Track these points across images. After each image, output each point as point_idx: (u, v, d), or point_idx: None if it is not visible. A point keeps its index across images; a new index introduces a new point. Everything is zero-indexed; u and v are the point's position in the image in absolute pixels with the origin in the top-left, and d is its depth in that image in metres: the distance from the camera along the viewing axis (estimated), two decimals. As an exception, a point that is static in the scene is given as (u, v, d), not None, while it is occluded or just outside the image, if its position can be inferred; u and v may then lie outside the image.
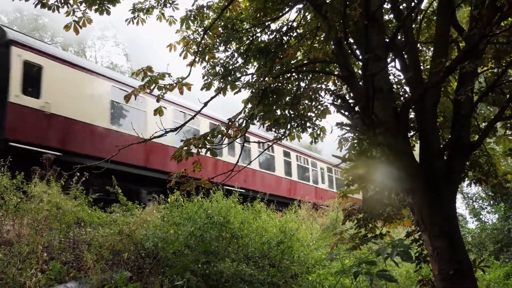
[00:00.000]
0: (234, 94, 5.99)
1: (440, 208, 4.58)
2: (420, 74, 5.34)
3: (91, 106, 11.45)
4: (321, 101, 7.13)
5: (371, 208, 6.58)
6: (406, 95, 6.30)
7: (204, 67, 6.87)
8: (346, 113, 5.25)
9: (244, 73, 6.66)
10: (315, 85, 7.07)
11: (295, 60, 6.74)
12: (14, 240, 6.97)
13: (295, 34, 7.06)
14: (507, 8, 4.44)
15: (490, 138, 6.50)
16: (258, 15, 6.73)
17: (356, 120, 5.01)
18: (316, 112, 7.23)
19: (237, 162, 6.15)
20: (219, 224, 9.11)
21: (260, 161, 19.00)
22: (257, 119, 6.55)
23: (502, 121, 5.88)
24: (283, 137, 7.27)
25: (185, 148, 5.11)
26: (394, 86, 6.20)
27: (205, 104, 5.74)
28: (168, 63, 5.63)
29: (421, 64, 6.34)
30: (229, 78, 6.40)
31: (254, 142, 7.65)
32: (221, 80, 6.51)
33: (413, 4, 5.43)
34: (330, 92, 6.95)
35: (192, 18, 6.84)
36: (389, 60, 5.33)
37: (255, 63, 6.93)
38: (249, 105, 5.78)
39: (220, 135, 5.26)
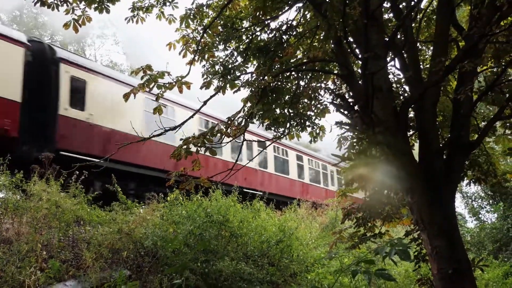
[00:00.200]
0: (234, 93, 5.99)
1: (439, 207, 4.59)
2: (419, 73, 5.34)
3: (127, 117, 11.65)
4: (321, 100, 7.13)
5: (370, 207, 6.59)
6: (406, 94, 6.30)
7: (204, 65, 6.86)
8: (346, 112, 5.25)
9: (244, 72, 6.66)
10: (314, 84, 7.07)
11: (295, 59, 6.73)
12: (13, 239, 6.97)
13: (294, 33, 7.05)
14: (506, 8, 4.43)
15: (490, 137, 6.50)
16: (258, 13, 6.73)
17: (355, 119, 5.01)
18: (315, 111, 7.23)
19: (236, 161, 6.15)
20: (218, 222, 9.11)
21: (275, 165, 19.96)
22: (257, 118, 6.54)
23: (501, 120, 5.88)
24: (282, 136, 7.26)
25: (185, 147, 5.12)
26: (394, 85, 6.20)
27: (205, 102, 5.74)
28: (168, 62, 5.63)
29: (421, 63, 6.33)
30: (229, 77, 6.39)
31: (253, 141, 7.64)
32: (221, 79, 6.50)
33: (412, 3, 5.44)
34: (330, 91, 6.94)
35: (191, 17, 6.83)
36: (388, 59, 5.34)
37: (254, 62, 6.92)
38: (249, 104, 5.78)
39: (219, 134, 5.26)
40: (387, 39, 5.07)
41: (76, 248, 7.63)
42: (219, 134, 5.27)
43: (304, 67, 6.32)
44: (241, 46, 6.96)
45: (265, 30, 7.02)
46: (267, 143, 9.31)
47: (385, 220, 6.77)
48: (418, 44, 6.34)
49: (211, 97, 5.86)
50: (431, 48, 6.52)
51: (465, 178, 6.78)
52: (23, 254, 6.60)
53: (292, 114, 6.93)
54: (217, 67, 6.83)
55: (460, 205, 23.25)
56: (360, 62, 5.53)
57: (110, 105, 12.21)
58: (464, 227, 19.62)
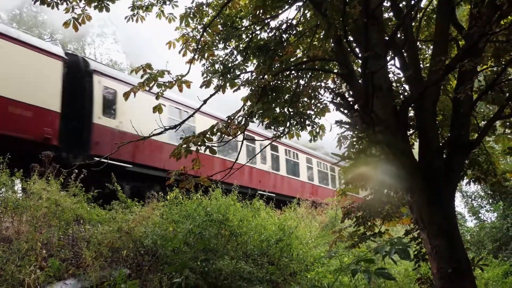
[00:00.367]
0: (234, 91, 5.98)
1: (439, 207, 4.59)
2: (419, 72, 5.33)
3: (153, 123, 12.02)
4: (321, 99, 7.11)
5: (370, 206, 6.59)
6: (406, 93, 6.29)
7: (203, 64, 6.86)
8: (346, 111, 5.25)
9: (244, 71, 6.65)
10: (314, 83, 7.06)
11: (295, 58, 6.73)
12: (13, 237, 6.97)
13: (294, 31, 7.04)
14: (506, 7, 4.43)
15: (489, 136, 6.50)
16: (258, 12, 6.72)
17: (355, 118, 5.01)
18: (315, 110, 7.22)
19: (236, 160, 6.15)
20: (218, 221, 9.11)
21: (287, 168, 20.81)
22: (256, 117, 6.54)
23: (501, 119, 5.88)
24: (282, 135, 7.26)
25: (184, 145, 5.12)
26: (394, 84, 6.19)
27: (205, 101, 5.74)
28: (167, 60, 5.63)
29: (421, 62, 6.33)
30: (229, 76, 6.39)
31: (253, 139, 7.64)
32: (220, 78, 6.50)
33: (412, 2, 5.43)
34: (330, 90, 6.93)
35: (191, 16, 6.82)
36: (388, 58, 5.33)
37: (254, 61, 6.92)
38: (248, 103, 5.78)
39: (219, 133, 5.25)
40: (387, 38, 5.07)
41: (76, 247, 7.64)
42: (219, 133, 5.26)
43: (304, 66, 6.31)
44: (241, 45, 6.96)
45: (265, 29, 7.02)
46: (267, 144, 9.29)
47: (385, 219, 6.77)
48: (418, 43, 6.34)
49: (211, 96, 5.85)
50: (431, 47, 6.51)
51: (465, 177, 6.78)
52: (23, 252, 6.60)
53: (292, 113, 6.93)
54: (217, 66, 6.83)
55: (460, 204, 23.29)
56: (360, 61, 5.53)
57: (137, 112, 12.19)
58: (463, 226, 19.63)
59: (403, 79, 6.32)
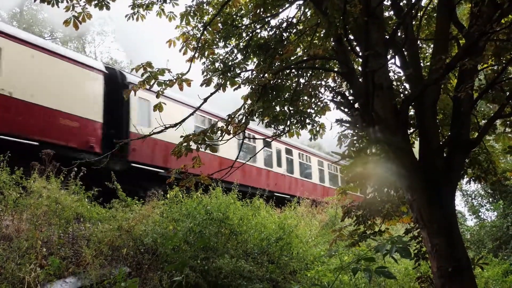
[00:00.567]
0: (234, 90, 5.98)
1: (439, 206, 4.59)
2: (420, 71, 5.33)
3: (181, 131, 13.14)
4: (321, 97, 7.12)
5: (370, 205, 6.59)
6: (406, 92, 6.29)
7: (204, 63, 6.86)
8: (346, 110, 5.24)
9: (244, 69, 6.65)
10: (314, 82, 7.06)
11: (295, 57, 6.72)
12: (13, 235, 6.97)
13: (295, 30, 7.04)
14: (507, 5, 4.42)
15: (490, 135, 6.49)
16: (258, 11, 6.71)
17: (355, 117, 5.00)
18: (315, 108, 7.22)
19: (236, 158, 6.16)
20: (218, 220, 9.12)
21: (301, 171, 22.10)
22: (256, 116, 6.54)
23: (501, 118, 5.87)
24: (282, 133, 7.26)
25: (185, 144, 5.12)
26: (394, 83, 6.19)
27: (205, 100, 5.75)
28: (168, 59, 5.62)
29: (421, 61, 6.33)
30: (229, 74, 6.38)
31: (251, 138, 7.65)
32: (221, 76, 6.50)
33: (413, 0, 5.42)
34: (330, 89, 6.94)
35: (191, 14, 6.81)
36: (389, 57, 5.32)
37: (254, 59, 6.91)
38: (249, 101, 5.78)
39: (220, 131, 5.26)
40: (387, 37, 5.06)
41: (76, 245, 7.64)
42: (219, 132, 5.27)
43: (304, 65, 6.31)
44: (241, 44, 6.95)
45: (265, 28, 7.01)
46: (267, 143, 9.30)
47: (385, 218, 6.77)
48: (418, 42, 6.33)
49: (211, 94, 5.85)
50: (432, 46, 6.51)
51: (465, 176, 6.79)
52: (23, 251, 6.60)
53: (292, 112, 6.93)
54: (217, 64, 6.83)
55: (460, 203, 23.25)
56: (360, 60, 5.52)
57: (168, 121, 12.92)
58: (463, 225, 19.59)
59: (403, 77, 6.32)
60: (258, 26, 6.99)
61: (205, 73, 6.66)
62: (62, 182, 8.28)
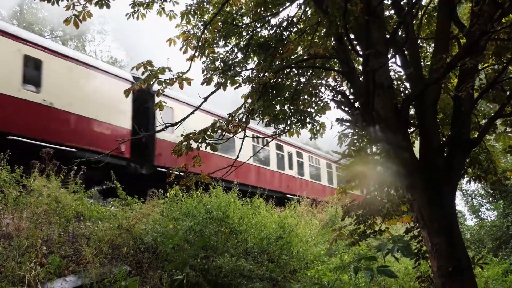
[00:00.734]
0: (235, 89, 5.98)
1: (439, 205, 4.59)
2: (420, 70, 5.33)
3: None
4: (321, 96, 7.12)
5: (371, 204, 6.59)
6: (407, 91, 6.29)
7: (204, 61, 6.85)
8: (346, 109, 5.24)
9: (244, 68, 6.65)
10: (315, 81, 7.05)
11: (295, 56, 6.72)
12: (14, 234, 6.97)
13: (295, 29, 7.03)
14: (508, 5, 4.42)
15: (490, 135, 6.49)
16: (258, 10, 6.71)
17: (356, 116, 5.00)
18: (316, 107, 7.22)
19: (236, 158, 6.17)
20: (218, 219, 9.12)
21: (310, 173, 23.05)
22: (257, 115, 6.54)
23: (502, 118, 5.87)
24: (282, 132, 7.26)
25: (185, 143, 5.13)
26: (395, 82, 6.18)
27: (205, 99, 5.75)
28: (168, 58, 5.62)
29: (422, 60, 6.32)
30: (229, 73, 6.38)
31: (252, 137, 7.66)
32: (221, 75, 6.49)
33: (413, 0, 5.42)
34: (330, 88, 6.94)
35: (192, 13, 6.81)
36: (389, 56, 5.32)
37: (255, 58, 6.91)
38: (249, 100, 5.78)
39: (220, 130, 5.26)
40: (388, 36, 5.06)
41: (76, 243, 7.64)
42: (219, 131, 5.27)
43: (304, 64, 6.31)
44: (241, 43, 6.95)
45: (266, 27, 7.00)
46: (268, 141, 9.29)
47: (385, 217, 6.77)
48: (419, 41, 6.33)
49: (212, 93, 5.86)
50: (432, 45, 6.51)
51: (466, 176, 6.79)
52: (23, 249, 6.60)
53: (292, 111, 6.92)
54: (217, 63, 6.82)
55: (460, 203, 23.26)
56: (361, 59, 5.52)
57: (191, 128, 13.79)
58: (463, 225, 19.58)
59: (404, 77, 6.32)
60: (258, 25, 6.99)
61: (205, 72, 6.65)
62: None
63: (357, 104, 5.18)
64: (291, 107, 6.86)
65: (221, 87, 5.96)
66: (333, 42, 5.82)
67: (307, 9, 6.84)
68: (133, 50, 38.87)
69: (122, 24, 38.87)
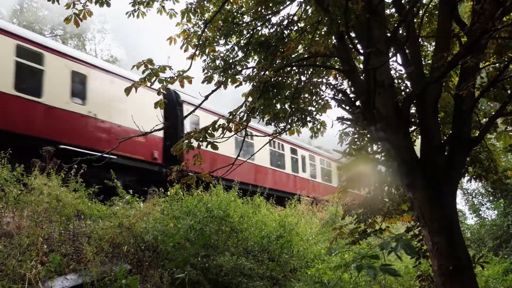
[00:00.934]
0: (235, 87, 5.98)
1: (440, 204, 4.58)
2: (421, 69, 5.32)
3: (228, 144, 14.78)
4: (322, 95, 7.11)
5: (371, 203, 6.59)
6: (408, 90, 6.28)
7: (205, 60, 6.85)
8: (347, 108, 5.24)
9: (245, 67, 6.64)
10: (315, 79, 7.05)
11: (296, 54, 6.71)
12: (14, 232, 6.97)
13: (296, 28, 7.02)
14: (509, 3, 4.40)
15: (491, 134, 6.49)
16: (259, 8, 6.70)
17: (357, 114, 5.00)
18: (316, 106, 7.21)
19: (237, 156, 6.18)
20: (218, 218, 9.12)
21: (322, 175, 24.24)
22: (257, 113, 6.53)
23: (503, 116, 5.86)
24: (283, 131, 7.26)
25: (186, 141, 5.13)
26: (396, 80, 6.18)
27: (206, 97, 5.75)
28: (169, 56, 5.62)
29: (423, 59, 6.31)
30: (230, 72, 6.37)
31: (254, 135, 7.66)
32: (222, 74, 6.49)
33: (415, -2, 5.40)
34: (331, 86, 6.93)
35: (192, 11, 6.80)
36: (390, 54, 5.31)
37: (255, 57, 6.90)
38: (250, 99, 5.77)
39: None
40: (389, 35, 5.05)
41: (77, 242, 7.64)
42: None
43: (305, 62, 6.30)
44: (242, 41, 6.94)
45: (266, 25, 7.00)
46: (269, 140, 9.29)
47: (386, 216, 6.77)
48: (420, 40, 6.32)
49: (212, 92, 5.85)
50: (433, 43, 6.50)
51: (466, 175, 6.78)
52: (24, 247, 6.60)
53: (293, 109, 6.92)
54: (218, 61, 6.82)
55: (460, 202, 23.27)
56: (361, 58, 5.51)
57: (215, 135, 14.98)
58: (464, 224, 19.58)
59: (405, 75, 6.31)
60: (259, 24, 6.98)
61: (206, 71, 6.65)
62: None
63: (357, 103, 5.18)
64: (292, 106, 6.85)
65: (222, 86, 5.96)
66: (334, 41, 5.81)
67: (308, 7, 6.83)
68: (133, 49, 38.89)
69: (122, 23, 38.90)
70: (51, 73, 11.24)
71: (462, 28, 5.47)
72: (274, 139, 18.77)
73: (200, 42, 6.59)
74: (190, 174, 5.31)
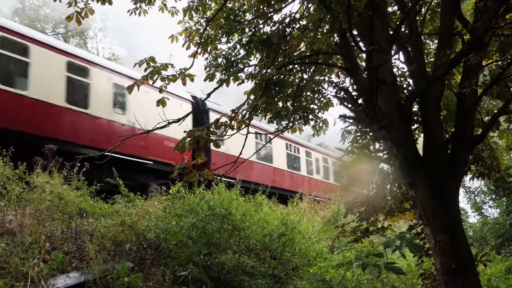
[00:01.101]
0: (238, 85, 5.97)
1: (442, 202, 4.58)
2: (424, 67, 5.30)
3: (248, 148, 15.74)
4: (324, 93, 7.09)
5: (373, 201, 6.58)
6: (410, 88, 6.26)
7: (207, 58, 6.84)
8: (349, 106, 5.23)
9: (247, 65, 6.63)
10: (318, 77, 7.03)
11: (298, 52, 6.70)
12: (17, 230, 6.99)
13: (298, 25, 7.01)
14: (513, 0, 4.39)
15: (494, 132, 6.47)
16: (261, 6, 6.69)
17: (359, 112, 4.99)
18: (318, 104, 7.20)
19: (240, 154, 6.19)
20: (221, 216, 9.12)
21: (334, 177, 25.44)
22: (259, 111, 6.53)
23: (505, 114, 5.85)
24: (285, 129, 7.25)
25: (188, 139, 5.13)
26: (398, 78, 6.16)
27: (208, 95, 5.75)
28: (171, 54, 5.62)
29: (425, 56, 6.29)
30: (232, 70, 6.37)
31: (254, 133, 7.67)
32: (224, 72, 6.48)
33: (417, -5, 5.39)
34: (333, 84, 6.91)
35: (194, 9, 6.79)
36: (393, 52, 5.30)
37: (257, 55, 6.89)
38: (252, 97, 5.77)
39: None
40: (391, 32, 5.04)
41: (79, 240, 7.66)
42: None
43: (307, 60, 6.29)
44: (244, 39, 6.93)
45: (268, 23, 6.98)
46: (271, 138, 9.27)
47: (388, 214, 6.76)
48: (422, 37, 6.30)
49: (215, 89, 5.85)
50: (436, 41, 6.49)
51: (469, 173, 6.77)
52: (26, 245, 6.61)
53: (295, 107, 6.91)
54: (220, 59, 6.81)
55: (463, 200, 23.29)
56: (364, 55, 5.50)
57: (235, 140, 15.31)
58: (466, 222, 19.55)
59: (407, 73, 6.29)
60: (261, 22, 6.97)
61: (208, 69, 6.65)
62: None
63: (360, 101, 5.16)
64: (294, 104, 6.84)
65: (224, 84, 5.95)
66: (336, 38, 5.79)
67: (310, 5, 6.81)
68: (135, 47, 38.93)
69: (123, 21, 38.91)
70: (95, 85, 12.48)
71: (464, 26, 5.45)
72: (290, 143, 21.27)
73: (202, 40, 6.58)
74: (192, 171, 5.29)
